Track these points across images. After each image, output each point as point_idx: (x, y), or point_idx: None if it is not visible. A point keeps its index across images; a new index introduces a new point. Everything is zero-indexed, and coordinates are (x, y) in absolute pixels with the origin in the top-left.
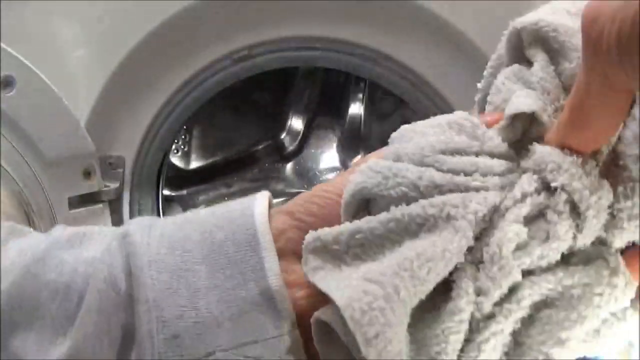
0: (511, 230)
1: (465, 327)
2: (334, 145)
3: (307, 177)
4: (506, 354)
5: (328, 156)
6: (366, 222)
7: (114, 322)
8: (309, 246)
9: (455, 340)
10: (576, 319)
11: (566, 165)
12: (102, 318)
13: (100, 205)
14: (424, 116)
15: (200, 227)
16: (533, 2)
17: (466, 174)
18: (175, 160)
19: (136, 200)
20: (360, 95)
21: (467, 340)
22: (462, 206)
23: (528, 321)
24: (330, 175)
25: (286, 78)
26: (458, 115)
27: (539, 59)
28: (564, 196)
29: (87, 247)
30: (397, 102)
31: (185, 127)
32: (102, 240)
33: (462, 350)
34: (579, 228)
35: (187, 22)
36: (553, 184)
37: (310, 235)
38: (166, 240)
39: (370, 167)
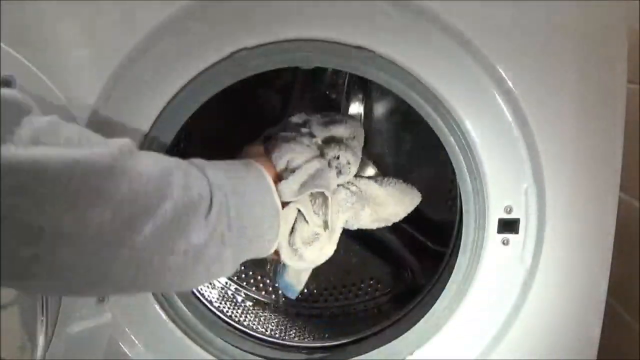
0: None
1: None
2: None
3: None
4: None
5: None
6: None
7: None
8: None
9: None
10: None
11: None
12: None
13: None
14: (424, 116)
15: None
16: (533, 2)
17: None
18: None
19: None
20: (360, 95)
21: None
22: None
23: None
24: None
25: (286, 78)
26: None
27: None
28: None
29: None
30: (397, 102)
31: (185, 127)
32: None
33: None
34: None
35: (187, 22)
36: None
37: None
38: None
39: None
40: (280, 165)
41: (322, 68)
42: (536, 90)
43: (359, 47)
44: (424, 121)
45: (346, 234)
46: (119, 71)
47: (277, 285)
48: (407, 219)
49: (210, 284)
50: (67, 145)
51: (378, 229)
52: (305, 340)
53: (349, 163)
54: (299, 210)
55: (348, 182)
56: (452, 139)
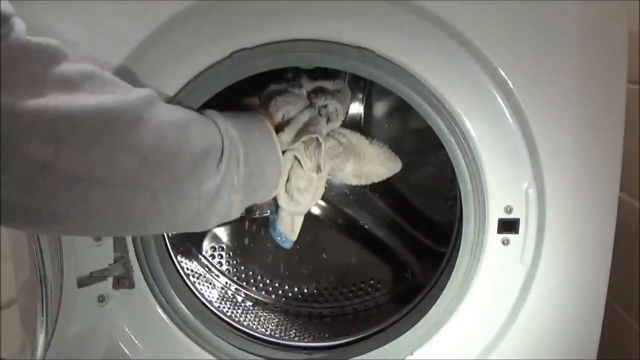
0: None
1: None
2: None
3: None
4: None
5: None
6: None
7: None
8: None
9: None
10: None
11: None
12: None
13: None
14: (424, 116)
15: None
16: (533, 2)
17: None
18: None
19: None
20: (360, 95)
21: None
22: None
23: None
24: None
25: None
26: None
27: None
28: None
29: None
30: (397, 102)
31: None
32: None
33: None
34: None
35: (187, 22)
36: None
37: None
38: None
39: None
40: (278, 117)
41: (322, 68)
42: (536, 90)
43: (359, 47)
44: (424, 121)
45: (346, 234)
46: (119, 71)
47: (271, 237)
48: (407, 219)
49: (210, 284)
50: (99, 93)
51: (379, 229)
52: (305, 340)
53: (336, 110)
54: (295, 158)
55: (338, 133)
56: (452, 139)
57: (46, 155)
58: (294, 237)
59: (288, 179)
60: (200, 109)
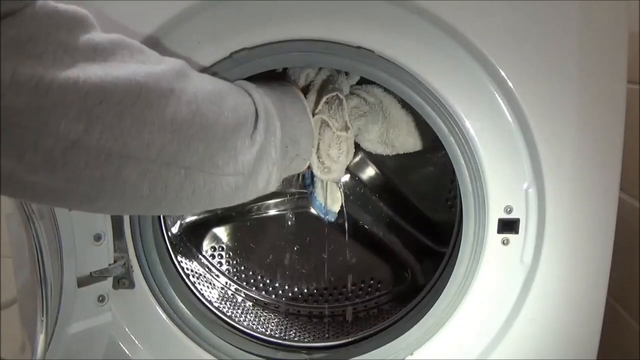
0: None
1: None
2: None
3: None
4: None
5: None
6: None
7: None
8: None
9: None
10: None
11: None
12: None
13: None
14: (424, 116)
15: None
16: (533, 2)
17: None
18: None
19: None
20: None
21: None
22: None
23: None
24: None
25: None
26: None
27: None
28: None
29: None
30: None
31: None
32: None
33: None
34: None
35: (187, 22)
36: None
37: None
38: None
39: None
40: (301, 81)
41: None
42: (536, 90)
43: (359, 47)
44: (424, 121)
45: (346, 234)
46: None
47: (317, 212)
48: (407, 219)
49: (210, 284)
50: (130, 62)
51: (379, 229)
52: (305, 340)
53: None
54: (322, 121)
55: (365, 92)
56: (452, 139)
57: (77, 132)
58: (337, 208)
59: (318, 147)
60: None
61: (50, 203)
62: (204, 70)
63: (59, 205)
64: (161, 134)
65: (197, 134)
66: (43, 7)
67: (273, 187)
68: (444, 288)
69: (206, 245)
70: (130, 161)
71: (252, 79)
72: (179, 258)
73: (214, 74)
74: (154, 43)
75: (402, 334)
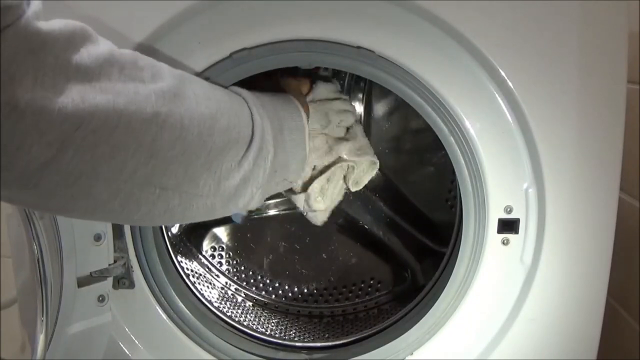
0: None
1: None
2: None
3: None
4: None
5: None
6: None
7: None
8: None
9: None
10: None
11: None
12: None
13: None
14: (424, 116)
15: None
16: (533, 2)
17: None
18: None
19: None
20: (360, 95)
21: None
22: None
23: None
24: None
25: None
26: None
27: None
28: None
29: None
30: (397, 102)
31: None
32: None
33: None
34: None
35: (188, 22)
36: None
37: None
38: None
39: None
40: (311, 96)
41: (322, 68)
42: (536, 90)
43: (359, 47)
44: (424, 121)
45: (346, 234)
46: None
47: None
48: (407, 219)
49: (210, 284)
50: (117, 81)
51: (379, 229)
52: (305, 340)
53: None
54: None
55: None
56: (452, 139)
57: (49, 154)
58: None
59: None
60: (240, 87)
61: (29, 209)
62: (204, 70)
63: (37, 211)
64: (136, 159)
65: (176, 158)
66: (26, 28)
67: (254, 207)
68: (444, 288)
69: (206, 245)
70: (100, 182)
71: (258, 77)
72: (179, 258)
73: (207, 78)
74: (154, 43)
75: (402, 334)
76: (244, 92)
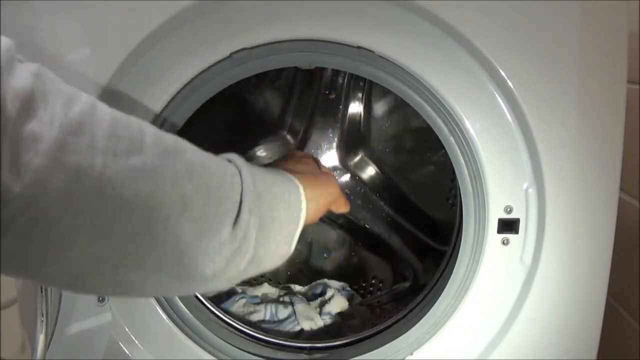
0: None
1: None
2: (334, 144)
3: None
4: None
5: (328, 155)
6: None
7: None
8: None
9: None
10: None
11: None
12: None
13: None
14: (424, 116)
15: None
16: (533, 2)
17: None
18: None
19: None
20: (360, 95)
21: None
22: None
23: None
24: None
25: (286, 78)
26: None
27: None
28: None
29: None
30: (397, 102)
31: (185, 127)
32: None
33: None
34: None
35: (187, 22)
36: None
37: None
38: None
39: None
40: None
41: (322, 68)
42: (536, 90)
43: (359, 47)
44: (424, 121)
45: (347, 233)
46: (119, 72)
47: None
48: (408, 218)
49: None
50: (93, 155)
51: (380, 228)
52: (305, 340)
53: None
54: None
55: None
56: (452, 139)
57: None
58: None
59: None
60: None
61: None
62: (204, 70)
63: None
64: (86, 239)
65: (136, 239)
66: None
67: (230, 286)
68: (444, 288)
69: None
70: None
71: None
72: None
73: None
74: (154, 43)
75: (402, 334)
76: (245, 174)
